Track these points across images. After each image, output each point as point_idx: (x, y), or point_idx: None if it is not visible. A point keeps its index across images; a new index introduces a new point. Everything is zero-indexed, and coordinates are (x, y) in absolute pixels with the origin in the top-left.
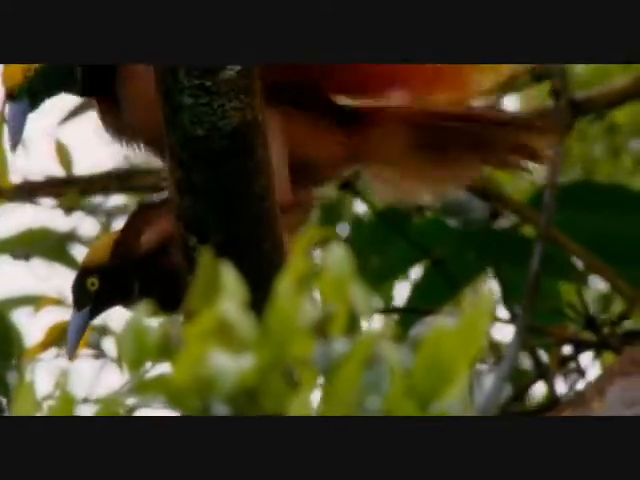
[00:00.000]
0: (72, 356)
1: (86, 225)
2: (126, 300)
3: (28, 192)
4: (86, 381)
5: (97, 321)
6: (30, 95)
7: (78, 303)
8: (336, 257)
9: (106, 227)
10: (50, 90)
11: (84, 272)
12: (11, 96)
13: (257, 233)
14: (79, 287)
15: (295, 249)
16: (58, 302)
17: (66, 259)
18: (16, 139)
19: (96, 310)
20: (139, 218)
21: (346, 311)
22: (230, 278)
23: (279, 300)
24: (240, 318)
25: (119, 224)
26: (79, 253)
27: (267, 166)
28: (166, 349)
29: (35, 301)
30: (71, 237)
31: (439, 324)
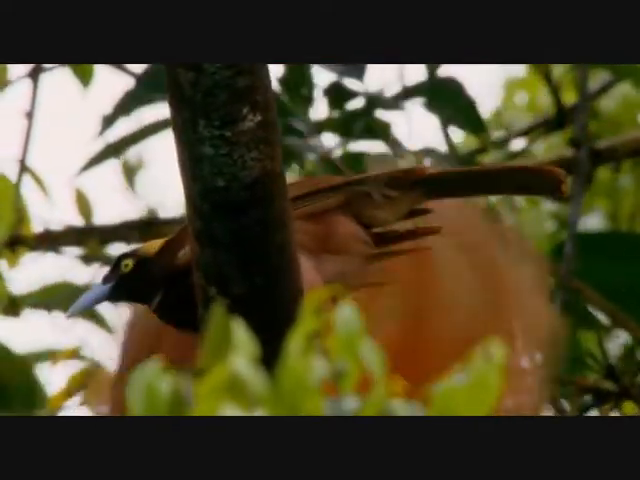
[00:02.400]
0: (72, 315)
1: None
2: (144, 301)
3: (49, 241)
4: None
5: None
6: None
7: (106, 278)
8: (346, 315)
9: None
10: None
11: (127, 253)
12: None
13: (277, 285)
14: (115, 264)
15: (305, 307)
16: (74, 355)
17: (93, 316)
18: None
19: (116, 291)
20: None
21: (357, 369)
22: (241, 334)
23: (290, 358)
24: (251, 374)
25: None
26: (106, 310)
27: (287, 217)
28: (177, 405)
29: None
30: None
31: (449, 380)
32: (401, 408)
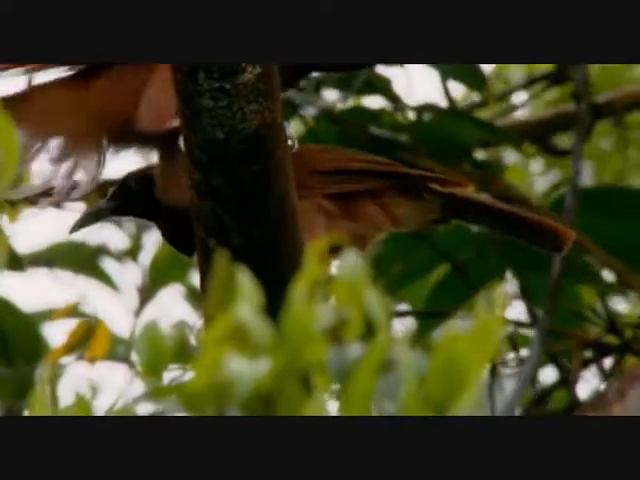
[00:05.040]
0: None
1: (116, 238)
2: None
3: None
4: (115, 392)
5: (126, 333)
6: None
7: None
8: (350, 262)
9: (136, 239)
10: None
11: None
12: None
13: (277, 236)
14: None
15: (309, 255)
16: (73, 310)
17: (98, 273)
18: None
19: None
20: None
21: (361, 316)
22: (246, 282)
23: (294, 305)
24: (256, 322)
25: (149, 237)
26: (110, 267)
27: (286, 169)
28: (182, 354)
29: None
30: (102, 251)
31: (452, 329)
32: (405, 356)
